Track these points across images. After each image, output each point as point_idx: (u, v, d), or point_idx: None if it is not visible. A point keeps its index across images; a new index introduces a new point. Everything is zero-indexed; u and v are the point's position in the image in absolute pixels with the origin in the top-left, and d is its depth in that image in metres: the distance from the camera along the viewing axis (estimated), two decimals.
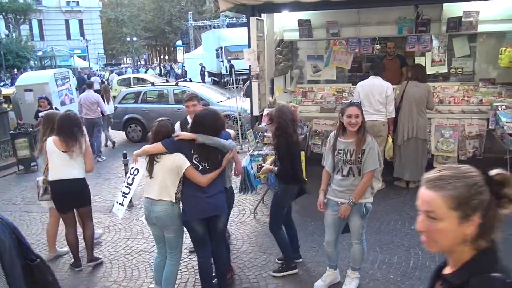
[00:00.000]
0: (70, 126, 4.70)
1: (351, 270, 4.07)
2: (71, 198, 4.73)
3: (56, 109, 8.71)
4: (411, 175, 6.54)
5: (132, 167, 4.24)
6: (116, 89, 19.56)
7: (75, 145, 4.66)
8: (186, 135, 3.69)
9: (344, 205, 3.72)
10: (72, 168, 4.68)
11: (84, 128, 5.01)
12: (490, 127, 6.42)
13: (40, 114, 8.65)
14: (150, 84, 13.33)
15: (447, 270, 1.42)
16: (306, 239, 5.11)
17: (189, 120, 4.36)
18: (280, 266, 4.49)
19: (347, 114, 3.68)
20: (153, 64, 54.78)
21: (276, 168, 4.27)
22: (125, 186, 4.33)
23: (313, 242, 5.05)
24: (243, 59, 7.18)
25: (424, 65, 7.60)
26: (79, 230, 4.98)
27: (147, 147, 3.77)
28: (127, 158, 6.36)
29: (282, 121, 4.13)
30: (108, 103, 11.15)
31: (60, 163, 4.63)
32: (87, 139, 4.94)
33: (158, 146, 3.68)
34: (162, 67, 42.90)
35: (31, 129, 9.57)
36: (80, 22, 48.01)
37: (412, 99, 6.38)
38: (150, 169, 3.72)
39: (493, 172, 1.35)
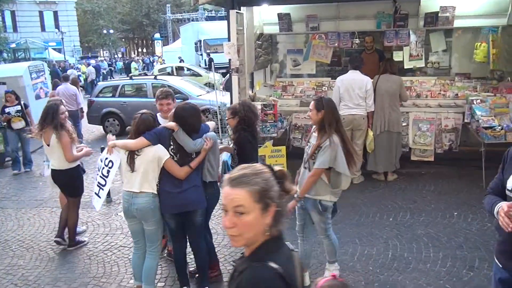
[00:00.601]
0: (42, 116, 4.87)
1: (328, 264, 4.12)
2: (59, 186, 5.07)
3: (25, 104, 8.53)
4: (385, 167, 6.65)
5: (106, 158, 4.05)
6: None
7: (49, 136, 4.78)
8: (173, 125, 3.68)
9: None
10: (52, 160, 4.87)
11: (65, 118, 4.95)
12: (465, 120, 6.56)
13: (7, 110, 8.39)
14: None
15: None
16: (286, 232, 5.12)
17: (160, 118, 4.25)
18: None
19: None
20: (131, 56, 53.90)
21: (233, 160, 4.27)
22: (100, 177, 4.20)
23: (293, 235, 5.06)
24: (222, 52, 7.15)
25: (402, 59, 7.73)
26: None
27: (130, 143, 3.69)
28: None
29: (249, 115, 4.11)
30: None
31: (47, 153, 4.93)
32: (69, 129, 4.93)
33: (142, 142, 3.63)
34: (140, 60, 42.22)
35: (5, 123, 9.24)
36: (55, 13, 46.78)
37: (384, 92, 6.47)
38: (131, 163, 3.67)
39: (276, 168, 1.57)
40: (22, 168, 8.70)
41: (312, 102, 3.79)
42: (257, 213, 1.47)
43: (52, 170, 4.95)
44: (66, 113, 5.07)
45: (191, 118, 3.69)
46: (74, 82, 11.63)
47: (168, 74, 19.53)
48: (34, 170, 8.72)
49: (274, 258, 1.47)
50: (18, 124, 8.45)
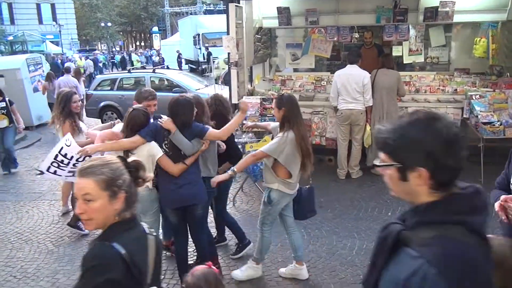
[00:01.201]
0: (58, 104, 5.19)
1: (251, 259, 4.18)
2: None
3: (10, 101, 7.75)
4: None
5: (72, 157, 4.18)
6: (223, 68, 17.76)
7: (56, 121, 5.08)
8: (169, 125, 3.62)
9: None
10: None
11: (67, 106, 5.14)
12: (464, 116, 6.57)
13: None
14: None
15: None
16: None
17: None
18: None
19: None
20: (129, 50, 53.64)
21: None
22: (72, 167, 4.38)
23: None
24: (221, 46, 7.12)
25: (401, 54, 7.72)
26: None
27: (125, 143, 3.61)
28: None
29: (220, 109, 4.10)
30: (79, 83, 11.55)
31: None
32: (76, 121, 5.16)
33: (137, 140, 3.60)
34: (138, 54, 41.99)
35: None
36: (52, 6, 46.47)
37: (382, 87, 6.48)
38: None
39: (130, 159, 1.79)
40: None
41: (274, 100, 3.88)
42: (105, 200, 1.63)
43: None
44: (79, 103, 5.27)
45: (183, 113, 3.64)
46: (77, 73, 12.12)
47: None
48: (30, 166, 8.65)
49: (119, 239, 1.62)
50: (2, 122, 7.71)
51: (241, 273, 4.16)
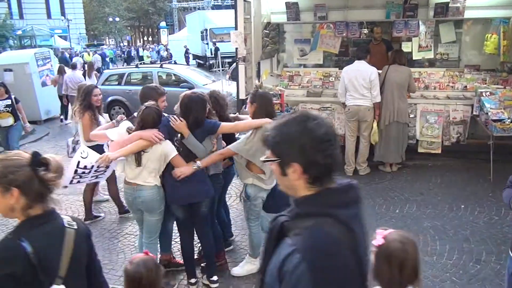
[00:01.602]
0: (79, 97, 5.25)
1: (247, 255, 4.19)
2: None
3: (16, 98, 7.57)
4: (392, 157, 6.63)
5: (92, 166, 4.11)
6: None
7: (76, 114, 5.15)
8: (182, 129, 3.58)
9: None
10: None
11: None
12: (474, 113, 6.50)
13: None
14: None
15: None
16: None
17: None
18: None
19: None
20: (137, 45, 53.70)
21: None
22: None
23: None
24: (228, 41, 7.09)
25: (410, 50, 7.63)
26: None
27: (143, 144, 3.52)
28: None
29: (215, 107, 4.06)
30: (90, 77, 12.01)
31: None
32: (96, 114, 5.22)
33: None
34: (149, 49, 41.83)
35: None
36: (61, 0, 46.58)
37: (394, 83, 6.43)
38: (138, 158, 3.58)
39: (44, 156, 1.77)
40: None
41: (250, 94, 3.93)
42: None
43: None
44: (100, 96, 5.35)
45: (196, 110, 3.60)
46: (90, 68, 12.69)
47: None
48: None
49: (28, 236, 1.67)
50: (7, 120, 7.44)
51: (240, 269, 4.18)
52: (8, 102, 7.47)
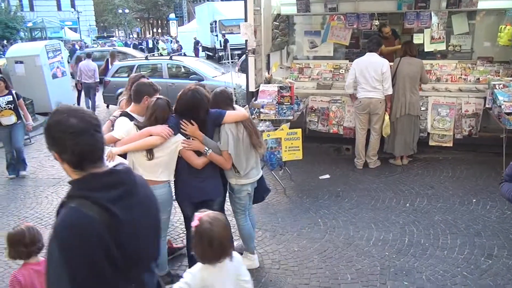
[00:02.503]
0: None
1: (245, 251, 4.14)
2: None
3: (17, 94, 7.05)
4: (402, 150, 6.58)
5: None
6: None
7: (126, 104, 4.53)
8: (196, 133, 3.52)
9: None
10: None
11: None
12: (487, 106, 6.41)
13: None
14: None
15: None
16: (302, 216, 5.13)
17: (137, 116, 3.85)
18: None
19: None
20: (146, 37, 53.70)
21: None
22: None
23: (308, 219, 5.06)
24: (237, 33, 7.05)
25: (422, 42, 7.54)
26: None
27: (157, 140, 3.45)
28: None
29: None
30: (113, 66, 12.78)
31: None
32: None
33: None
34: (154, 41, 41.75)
35: None
36: None
37: (406, 76, 6.36)
38: (150, 152, 3.48)
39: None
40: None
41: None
42: None
43: None
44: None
45: (202, 109, 3.54)
46: (112, 57, 13.93)
47: None
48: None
49: None
50: (9, 118, 6.91)
51: None
52: (10, 98, 6.90)
